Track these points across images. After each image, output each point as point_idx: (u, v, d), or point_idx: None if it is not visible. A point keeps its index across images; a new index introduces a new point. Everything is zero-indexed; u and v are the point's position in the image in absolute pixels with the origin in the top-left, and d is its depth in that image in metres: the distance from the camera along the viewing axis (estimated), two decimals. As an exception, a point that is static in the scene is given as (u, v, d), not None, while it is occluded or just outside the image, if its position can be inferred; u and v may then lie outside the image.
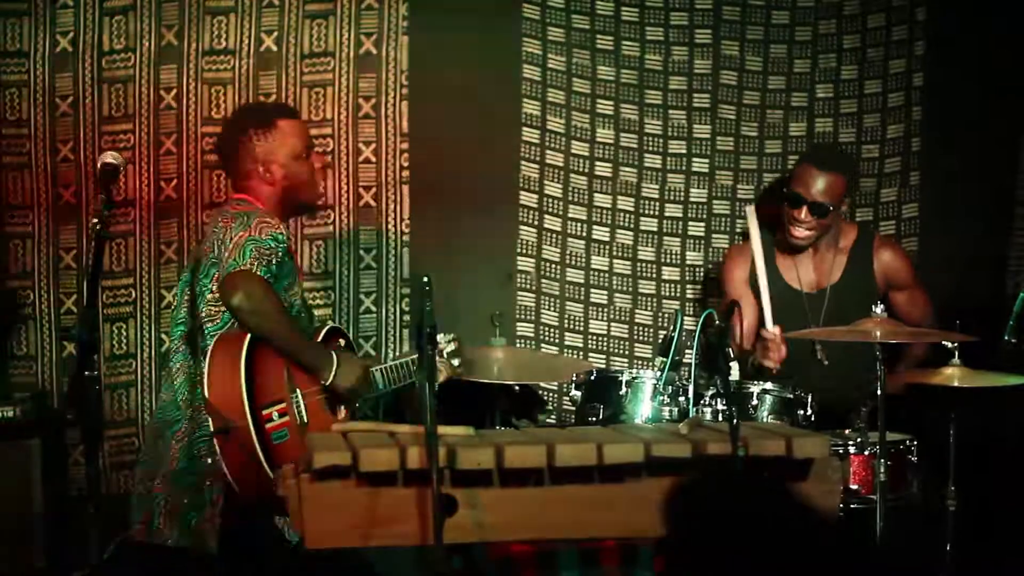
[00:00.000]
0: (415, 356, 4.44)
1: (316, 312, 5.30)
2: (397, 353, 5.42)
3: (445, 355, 4.66)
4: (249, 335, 4.17)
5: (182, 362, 4.39)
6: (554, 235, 5.67)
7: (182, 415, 4.31)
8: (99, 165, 3.80)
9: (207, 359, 4.15)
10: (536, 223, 5.66)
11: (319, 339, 4.46)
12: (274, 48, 5.50)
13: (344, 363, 4.35)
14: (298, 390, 4.25)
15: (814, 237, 5.18)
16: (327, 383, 4.30)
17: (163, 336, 5.47)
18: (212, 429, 4.09)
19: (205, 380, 4.13)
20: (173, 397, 4.36)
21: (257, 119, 4.53)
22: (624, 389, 4.65)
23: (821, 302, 5.23)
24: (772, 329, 4.91)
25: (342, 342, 4.54)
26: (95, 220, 3.49)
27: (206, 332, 4.31)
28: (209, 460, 4.19)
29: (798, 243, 5.20)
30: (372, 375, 4.44)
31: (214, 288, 4.31)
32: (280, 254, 4.28)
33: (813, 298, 5.24)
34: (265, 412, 4.13)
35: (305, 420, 4.24)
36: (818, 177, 5.09)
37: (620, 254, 5.70)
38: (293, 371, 4.26)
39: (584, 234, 5.68)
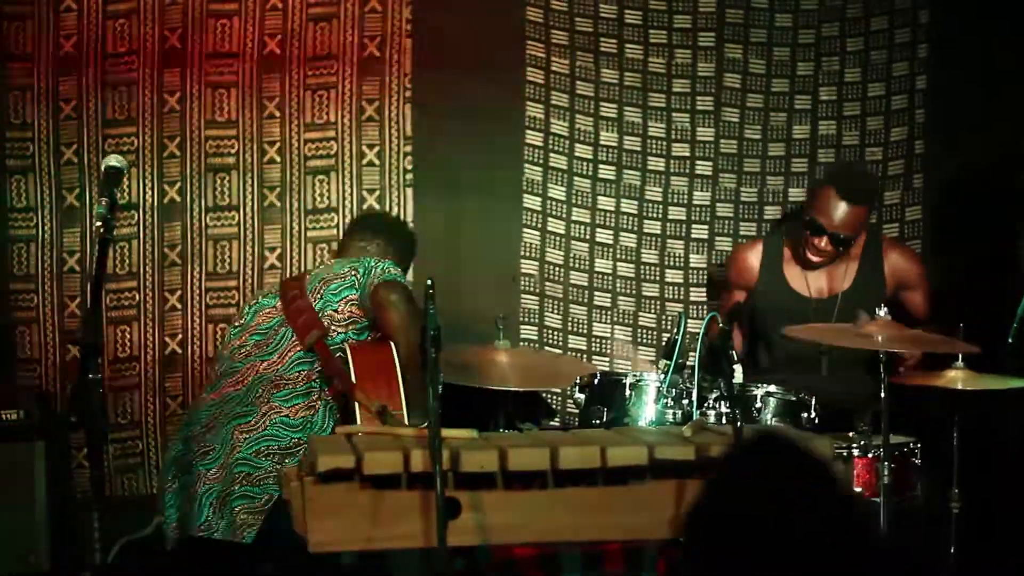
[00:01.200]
0: None
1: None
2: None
3: None
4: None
5: (260, 362, 4.38)
6: (558, 238, 5.67)
7: (254, 410, 4.26)
8: (103, 168, 3.79)
9: (350, 360, 4.25)
10: (540, 226, 5.66)
11: None
12: (277, 51, 5.51)
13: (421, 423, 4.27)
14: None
15: (829, 260, 5.15)
16: (408, 423, 4.16)
17: (167, 339, 5.49)
18: (370, 409, 4.12)
19: (352, 371, 4.20)
20: (243, 393, 4.33)
21: None
22: (628, 392, 4.65)
23: (831, 308, 5.18)
24: None
25: None
26: (99, 223, 3.48)
27: (329, 341, 4.36)
28: (275, 460, 4.18)
29: (813, 265, 5.16)
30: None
31: (341, 308, 4.39)
32: None
33: (823, 304, 5.20)
34: None
35: None
36: (842, 208, 4.99)
37: (623, 257, 5.70)
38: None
39: (587, 237, 5.68)
